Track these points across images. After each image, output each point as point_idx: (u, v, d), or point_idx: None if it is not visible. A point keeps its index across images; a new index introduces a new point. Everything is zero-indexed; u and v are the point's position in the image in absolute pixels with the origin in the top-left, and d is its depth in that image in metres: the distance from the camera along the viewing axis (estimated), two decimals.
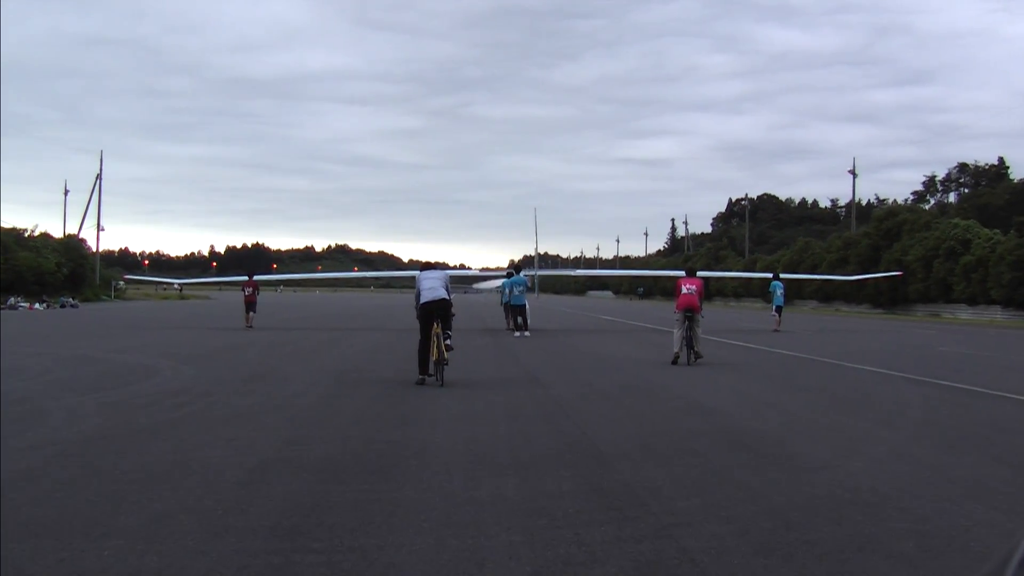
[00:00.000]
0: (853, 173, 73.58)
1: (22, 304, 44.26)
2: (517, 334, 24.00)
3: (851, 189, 73.88)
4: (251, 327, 25.70)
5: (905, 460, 6.94)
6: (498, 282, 32.64)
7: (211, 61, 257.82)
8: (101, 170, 70.87)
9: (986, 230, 52.55)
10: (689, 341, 15.16)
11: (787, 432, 8.28)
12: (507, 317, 26.33)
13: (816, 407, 10.25)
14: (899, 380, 13.27)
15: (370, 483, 5.90)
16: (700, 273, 22.46)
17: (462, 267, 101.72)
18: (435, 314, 11.71)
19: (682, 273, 17.61)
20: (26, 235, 61.51)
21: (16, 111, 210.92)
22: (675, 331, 15.46)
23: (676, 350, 15.23)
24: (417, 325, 11.88)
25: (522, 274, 26.17)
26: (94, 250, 72.26)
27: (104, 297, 65.45)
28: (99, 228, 72.04)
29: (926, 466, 6.69)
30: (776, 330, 27.50)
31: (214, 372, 13.50)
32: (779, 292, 29.18)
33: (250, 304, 26.32)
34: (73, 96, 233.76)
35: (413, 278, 12.90)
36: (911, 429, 8.60)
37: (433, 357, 11.59)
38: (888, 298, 59.34)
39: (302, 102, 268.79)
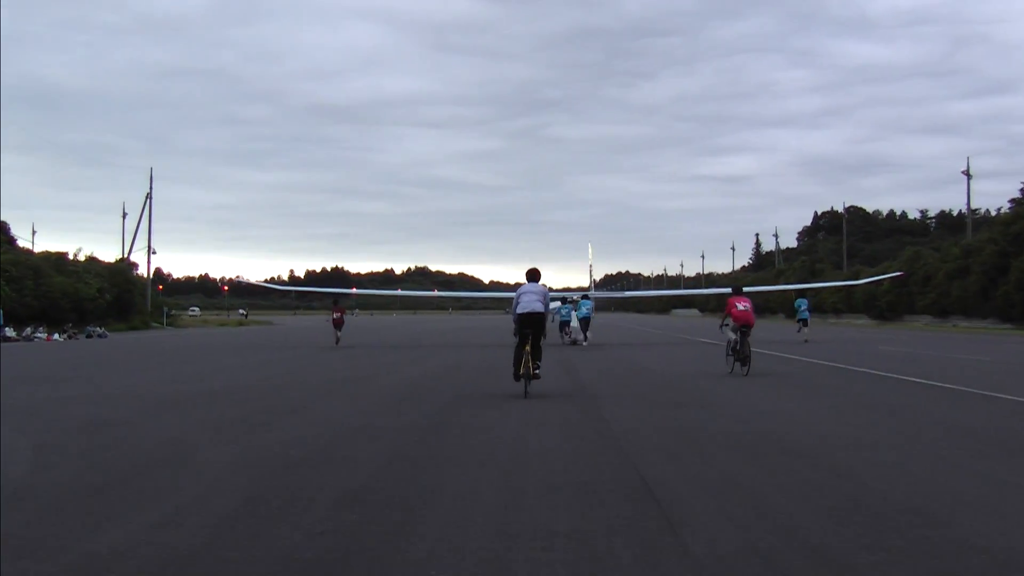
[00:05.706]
0: (967, 175, 65.92)
1: (38, 335, 39.43)
2: (585, 343, 28.32)
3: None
4: (337, 344, 29.82)
5: None
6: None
7: (291, 88, 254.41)
8: (151, 189, 66.42)
9: None
10: (744, 356, 15.92)
11: None
12: (562, 332, 30.46)
13: None
14: None
15: None
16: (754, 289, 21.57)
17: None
18: (529, 326, 12.21)
19: (728, 290, 18.67)
20: (69, 258, 57.00)
21: (100, 141, 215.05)
22: (729, 334, 16.55)
23: (733, 336, 16.29)
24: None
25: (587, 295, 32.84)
26: (144, 275, 67.53)
27: (155, 324, 60.60)
28: (150, 251, 66.79)
29: None
30: (805, 341, 30.30)
31: (161, 432, 7.79)
32: (803, 308, 32.79)
33: (338, 325, 31.30)
34: (156, 125, 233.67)
35: (491, 299, 13.96)
36: None
37: (526, 371, 12.10)
38: (1021, 311, 51.32)
39: (381, 127, 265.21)
